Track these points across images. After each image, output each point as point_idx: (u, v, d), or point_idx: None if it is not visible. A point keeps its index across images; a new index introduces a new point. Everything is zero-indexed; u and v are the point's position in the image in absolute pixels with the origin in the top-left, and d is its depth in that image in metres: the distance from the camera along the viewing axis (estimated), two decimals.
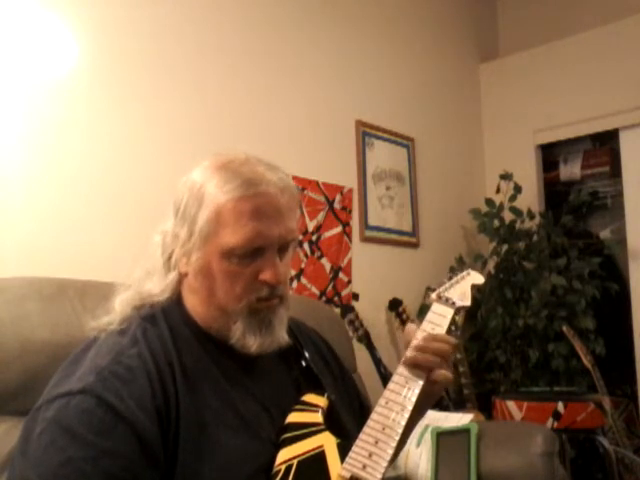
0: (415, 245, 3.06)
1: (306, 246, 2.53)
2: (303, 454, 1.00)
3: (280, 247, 1.04)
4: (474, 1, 3.67)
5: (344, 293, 2.66)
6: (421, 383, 1.03)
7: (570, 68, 3.28)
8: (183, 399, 0.96)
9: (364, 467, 0.93)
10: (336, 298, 2.63)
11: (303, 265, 2.51)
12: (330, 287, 2.61)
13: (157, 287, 1.07)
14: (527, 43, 3.47)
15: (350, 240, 2.72)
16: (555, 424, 2.24)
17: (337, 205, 2.68)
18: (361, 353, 2.39)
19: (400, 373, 1.04)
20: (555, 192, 3.49)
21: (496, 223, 3.06)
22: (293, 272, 2.45)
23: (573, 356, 2.73)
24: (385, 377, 2.38)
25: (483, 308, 2.94)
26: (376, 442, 0.96)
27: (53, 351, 1.31)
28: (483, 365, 3.00)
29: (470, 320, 2.95)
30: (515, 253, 3.01)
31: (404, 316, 2.70)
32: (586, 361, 2.52)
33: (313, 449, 1.01)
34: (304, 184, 2.52)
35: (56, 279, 1.51)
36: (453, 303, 1.14)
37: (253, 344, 1.03)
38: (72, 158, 1.88)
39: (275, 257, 1.03)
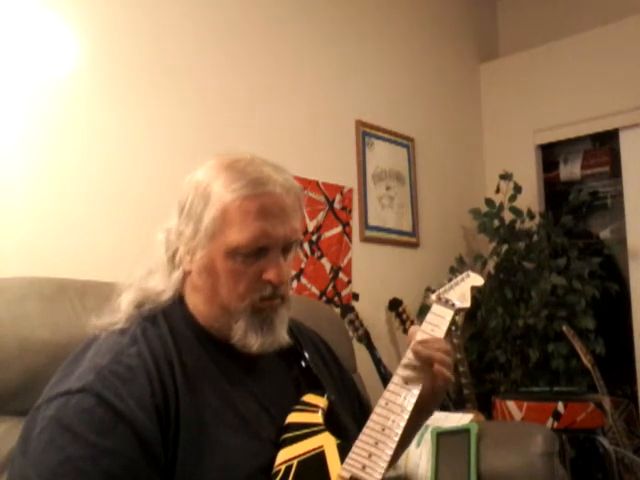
0: (415, 245, 3.06)
1: (306, 246, 2.53)
2: (303, 454, 1.00)
3: (284, 247, 1.05)
4: (474, 1, 3.67)
5: (344, 293, 2.66)
6: (421, 384, 1.03)
7: (570, 68, 3.28)
8: (183, 398, 0.96)
9: (364, 467, 0.94)
10: (336, 298, 2.63)
11: (303, 265, 2.51)
12: (330, 287, 2.61)
13: (161, 284, 1.07)
14: (527, 43, 3.48)
15: (350, 240, 2.72)
16: (555, 424, 2.24)
17: (337, 205, 2.68)
18: (361, 353, 2.38)
19: (400, 374, 1.04)
20: (555, 192, 3.49)
21: (496, 223, 3.06)
22: (293, 272, 2.45)
23: (573, 356, 2.73)
24: (385, 377, 2.38)
25: (483, 308, 2.94)
26: (376, 443, 0.96)
27: (53, 351, 1.32)
28: (483, 365, 3.00)
29: (470, 320, 2.94)
30: (515, 253, 3.01)
31: (404, 316, 2.70)
32: (586, 361, 2.52)
33: (313, 449, 1.01)
34: (304, 184, 2.51)
35: (56, 279, 1.51)
36: (453, 304, 1.15)
37: (254, 343, 1.03)
38: (72, 158, 1.89)
39: (279, 257, 1.04)
